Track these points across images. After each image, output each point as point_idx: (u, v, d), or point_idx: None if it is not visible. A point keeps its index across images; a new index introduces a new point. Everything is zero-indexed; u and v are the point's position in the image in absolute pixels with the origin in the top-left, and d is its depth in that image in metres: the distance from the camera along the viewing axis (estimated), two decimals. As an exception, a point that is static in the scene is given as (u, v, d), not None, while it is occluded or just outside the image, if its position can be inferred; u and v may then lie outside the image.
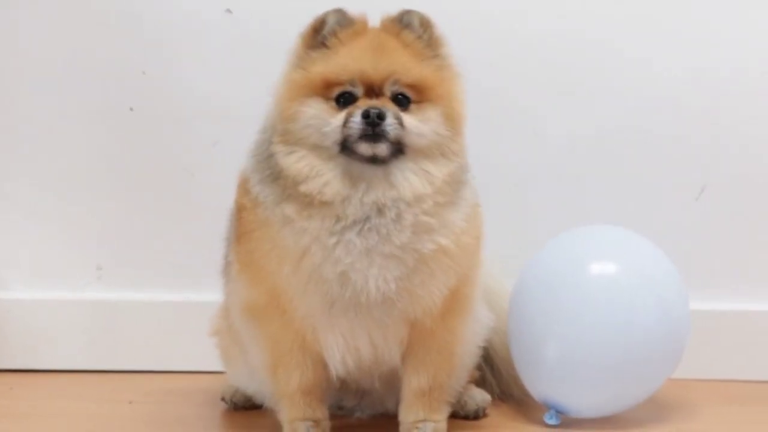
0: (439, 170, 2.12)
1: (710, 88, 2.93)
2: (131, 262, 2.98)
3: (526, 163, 2.94)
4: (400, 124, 2.08)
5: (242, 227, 2.19)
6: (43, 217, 2.97)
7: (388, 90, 2.12)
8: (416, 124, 2.11)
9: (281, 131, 2.13)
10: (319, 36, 2.15)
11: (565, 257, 2.42)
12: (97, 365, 2.94)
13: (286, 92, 2.15)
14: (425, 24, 2.18)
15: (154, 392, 2.73)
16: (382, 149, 2.07)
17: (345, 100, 2.11)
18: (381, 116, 2.06)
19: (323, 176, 2.08)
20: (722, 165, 2.94)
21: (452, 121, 2.15)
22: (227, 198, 2.32)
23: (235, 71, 2.90)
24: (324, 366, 2.23)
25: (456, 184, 2.15)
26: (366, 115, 2.06)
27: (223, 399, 2.55)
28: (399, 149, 2.09)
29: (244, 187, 2.20)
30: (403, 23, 2.17)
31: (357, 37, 2.16)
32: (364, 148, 2.07)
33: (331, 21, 2.15)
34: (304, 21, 2.26)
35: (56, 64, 2.94)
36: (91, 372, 2.92)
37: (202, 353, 2.65)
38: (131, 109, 2.94)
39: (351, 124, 2.07)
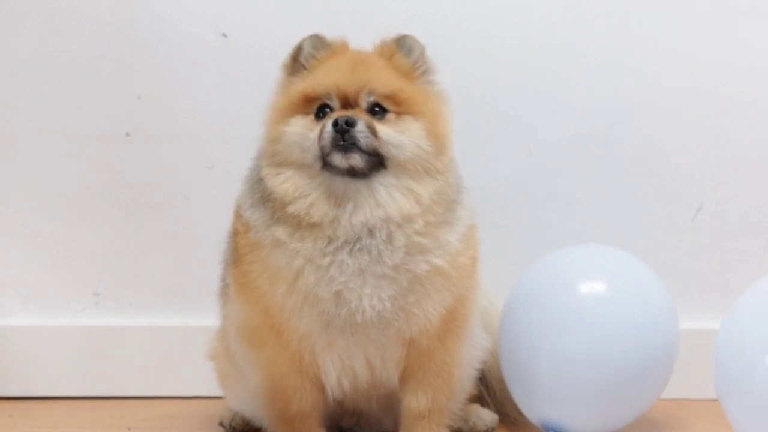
0: (424, 188, 2.12)
1: (709, 105, 2.93)
2: (128, 287, 2.97)
3: (517, 180, 2.94)
4: (374, 133, 2.09)
5: (237, 250, 2.21)
6: (40, 243, 2.97)
7: (364, 101, 2.15)
8: (392, 134, 2.12)
9: (269, 154, 2.17)
10: (298, 62, 2.22)
11: (554, 276, 2.42)
12: (95, 392, 2.93)
13: (271, 116, 2.20)
14: (418, 48, 2.22)
15: (152, 418, 2.72)
16: (356, 160, 2.08)
17: (323, 114, 2.15)
18: (350, 123, 2.08)
19: (308, 197, 2.10)
20: (719, 184, 2.94)
21: (436, 138, 2.15)
22: (223, 221, 2.34)
23: (230, 95, 2.91)
24: (321, 389, 2.24)
25: (448, 203, 2.16)
26: (335, 123, 2.08)
27: (221, 424, 2.53)
28: (379, 162, 2.10)
29: (237, 213, 2.23)
30: (397, 46, 2.22)
31: (336, 56, 2.22)
32: (339, 160, 2.08)
33: (307, 46, 2.22)
34: (298, 44, 2.31)
35: (53, 89, 2.94)
36: (89, 398, 2.91)
37: (201, 378, 2.65)
38: (127, 134, 2.94)
39: (324, 135, 2.09)
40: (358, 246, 2.08)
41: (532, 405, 2.39)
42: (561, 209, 2.95)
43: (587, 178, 2.95)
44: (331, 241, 2.08)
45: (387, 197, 2.10)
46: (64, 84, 2.94)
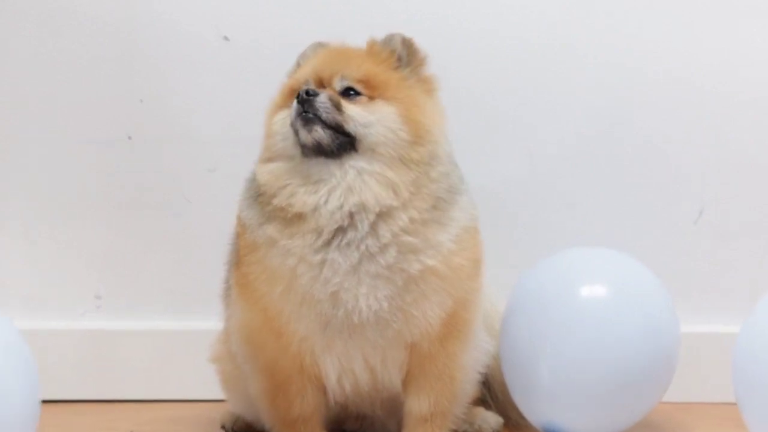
0: (399, 177, 2.10)
1: (709, 105, 2.93)
2: (129, 290, 2.97)
3: (517, 180, 2.94)
4: (337, 107, 2.11)
5: (238, 252, 2.23)
6: (41, 245, 2.96)
7: (337, 84, 2.17)
8: (360, 113, 2.13)
9: (262, 150, 2.22)
10: (298, 64, 2.30)
11: (555, 278, 2.41)
12: (96, 395, 2.92)
13: (267, 114, 2.25)
14: (405, 43, 2.24)
15: (154, 421, 2.72)
16: (319, 134, 2.09)
17: None
18: (310, 93, 2.11)
19: (288, 186, 2.12)
20: (719, 184, 2.94)
21: (413, 127, 2.14)
22: (224, 224, 2.35)
23: (231, 96, 2.91)
24: (323, 392, 2.24)
25: (435, 201, 2.14)
26: (298, 95, 2.12)
27: (223, 427, 2.54)
28: (350, 143, 2.11)
29: (238, 215, 2.25)
30: (380, 40, 2.25)
31: (324, 51, 2.27)
32: (304, 135, 2.11)
33: (308, 50, 2.30)
34: (299, 47, 2.32)
35: (53, 89, 2.94)
36: (90, 402, 2.91)
37: (203, 381, 2.64)
38: (129, 138, 2.94)
39: (291, 112, 2.13)
40: (345, 240, 2.08)
41: (532, 408, 2.40)
42: (561, 210, 2.95)
43: (587, 179, 2.95)
44: (318, 234, 2.09)
45: (360, 182, 2.10)
46: (65, 84, 2.94)
